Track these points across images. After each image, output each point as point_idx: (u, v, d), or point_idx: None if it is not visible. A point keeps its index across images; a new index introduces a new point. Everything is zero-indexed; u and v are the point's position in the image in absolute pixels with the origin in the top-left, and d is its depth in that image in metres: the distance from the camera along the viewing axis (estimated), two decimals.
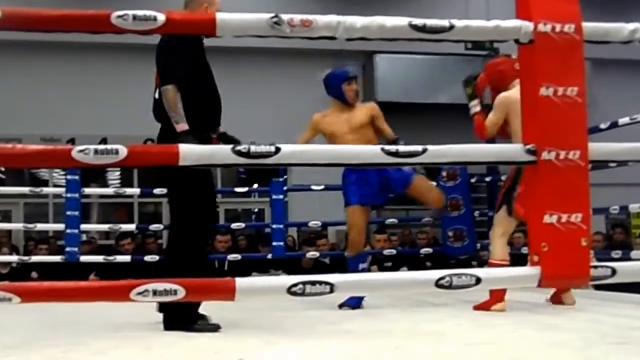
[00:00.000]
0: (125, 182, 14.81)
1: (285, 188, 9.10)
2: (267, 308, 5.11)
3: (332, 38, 2.77)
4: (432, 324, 4.76)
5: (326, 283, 2.58)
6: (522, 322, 4.83)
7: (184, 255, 4.64)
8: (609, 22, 3.00)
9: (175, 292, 2.47)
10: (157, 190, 9.08)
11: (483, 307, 5.46)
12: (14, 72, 14.54)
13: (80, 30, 2.61)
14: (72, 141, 13.87)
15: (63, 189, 8.69)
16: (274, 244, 8.80)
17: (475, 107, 5.73)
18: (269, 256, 9.02)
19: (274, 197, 8.74)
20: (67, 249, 8.42)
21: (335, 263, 9.95)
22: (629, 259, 6.49)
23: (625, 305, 5.56)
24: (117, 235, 10.98)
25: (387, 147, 2.76)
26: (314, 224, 9.34)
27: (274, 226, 8.87)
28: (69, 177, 8.52)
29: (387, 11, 2.91)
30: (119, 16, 2.55)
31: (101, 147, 2.52)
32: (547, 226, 2.72)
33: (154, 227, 10.24)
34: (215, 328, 4.47)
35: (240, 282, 2.58)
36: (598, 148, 2.88)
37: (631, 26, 2.96)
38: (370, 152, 2.83)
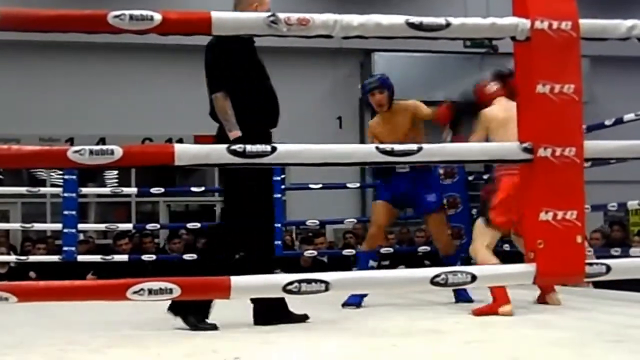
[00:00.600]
0: (123, 181, 14.83)
1: (283, 187, 9.08)
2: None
3: (329, 37, 2.77)
4: (430, 322, 4.76)
5: (321, 281, 2.58)
6: (519, 320, 4.83)
7: (257, 254, 4.78)
8: (606, 19, 3.00)
9: (170, 291, 2.47)
10: (154, 190, 9.10)
11: (486, 311, 5.11)
12: (12, 72, 14.54)
13: (77, 31, 2.61)
14: (70, 141, 13.88)
15: (60, 189, 8.69)
16: None
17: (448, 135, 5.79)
18: None
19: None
20: (65, 248, 8.41)
21: (333, 262, 9.95)
22: (628, 257, 6.48)
23: (622, 304, 5.56)
24: (114, 234, 10.99)
25: (381, 145, 2.76)
26: (312, 222, 9.33)
27: None
28: (66, 176, 8.51)
29: (384, 10, 2.89)
30: (116, 16, 2.55)
31: (96, 147, 2.52)
32: (543, 223, 2.72)
33: (151, 226, 10.26)
34: (304, 318, 4.69)
35: (235, 280, 2.58)
36: (593, 145, 2.88)
37: (629, 23, 2.95)
38: (365, 150, 2.83)
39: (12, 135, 13.03)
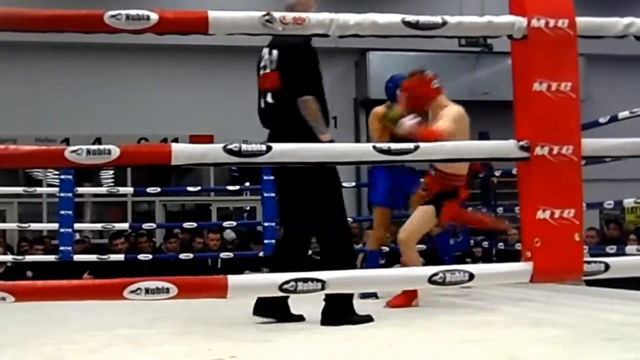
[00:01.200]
0: (119, 181, 14.83)
1: None
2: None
3: (325, 35, 2.77)
4: (426, 321, 4.76)
5: (318, 280, 2.58)
6: (515, 318, 4.84)
7: (344, 250, 4.87)
8: (603, 17, 3.00)
9: (167, 290, 2.47)
10: (150, 189, 9.10)
11: (397, 303, 5.61)
12: (8, 73, 14.52)
13: (73, 30, 2.60)
14: (66, 141, 13.86)
15: (57, 189, 8.69)
16: (266, 242, 8.79)
17: (412, 120, 5.66)
18: (261, 254, 9.00)
19: (265, 195, 8.73)
20: (61, 248, 8.41)
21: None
22: (624, 254, 6.49)
23: (617, 301, 5.57)
24: (110, 234, 10.99)
25: (378, 144, 2.75)
26: None
27: (265, 224, 8.89)
28: (62, 176, 8.51)
29: (379, 9, 2.89)
30: (113, 16, 2.54)
31: (94, 147, 2.52)
32: (540, 222, 2.71)
33: (147, 226, 10.26)
34: (369, 319, 4.69)
35: (232, 279, 2.57)
36: (591, 143, 2.88)
37: (626, 20, 2.95)
38: (362, 149, 2.83)
39: (8, 136, 13.01)
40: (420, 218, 5.76)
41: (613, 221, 11.06)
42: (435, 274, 2.68)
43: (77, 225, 9.17)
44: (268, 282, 2.68)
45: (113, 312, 5.15)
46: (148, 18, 2.57)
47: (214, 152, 2.66)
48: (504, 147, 2.86)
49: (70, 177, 8.44)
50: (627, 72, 16.43)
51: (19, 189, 10.23)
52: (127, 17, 2.55)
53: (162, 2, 10.27)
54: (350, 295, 4.72)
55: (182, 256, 8.94)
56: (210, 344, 3.85)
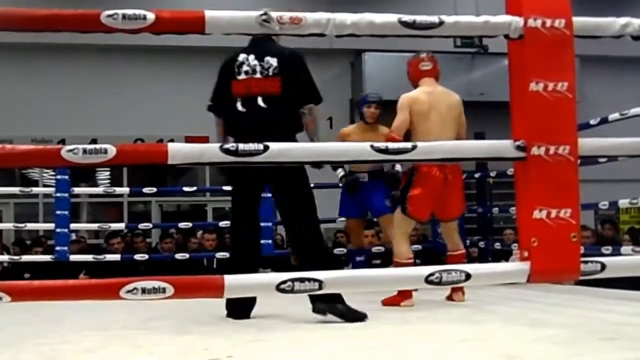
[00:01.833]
0: (115, 181, 14.83)
1: None
2: (257, 304, 5.09)
3: (322, 35, 2.77)
4: (423, 321, 4.77)
5: (315, 280, 2.58)
6: (512, 317, 4.84)
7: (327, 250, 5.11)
8: (600, 17, 3.00)
9: (164, 290, 2.47)
10: (146, 190, 9.09)
11: (391, 302, 5.77)
12: (4, 74, 14.55)
13: (70, 30, 2.60)
14: (62, 142, 13.86)
15: (53, 189, 8.69)
16: (262, 241, 8.77)
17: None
18: None
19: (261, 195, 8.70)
20: (57, 248, 8.41)
21: None
22: (619, 255, 6.49)
23: (612, 301, 5.58)
24: (106, 234, 10.99)
25: (376, 144, 2.75)
26: None
27: (262, 224, 8.85)
28: (58, 177, 8.52)
29: (373, 9, 2.89)
30: (109, 15, 2.54)
31: (90, 146, 2.51)
32: (537, 221, 2.72)
33: (143, 226, 10.25)
34: (363, 316, 4.73)
35: (229, 279, 2.57)
36: (588, 143, 2.88)
37: (622, 20, 2.95)
38: (359, 149, 2.82)
39: (4, 137, 12.98)
40: (395, 221, 6.13)
41: (608, 221, 11.08)
42: (432, 274, 2.68)
43: (73, 226, 9.19)
44: (264, 282, 2.67)
45: (109, 312, 5.14)
46: (145, 18, 2.57)
47: (210, 151, 2.66)
48: (501, 146, 2.86)
49: (67, 177, 8.45)
50: (622, 74, 16.45)
51: (15, 189, 10.21)
52: (124, 16, 2.55)
53: (159, 1, 10.24)
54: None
55: (178, 256, 8.93)
56: (206, 343, 3.84)
